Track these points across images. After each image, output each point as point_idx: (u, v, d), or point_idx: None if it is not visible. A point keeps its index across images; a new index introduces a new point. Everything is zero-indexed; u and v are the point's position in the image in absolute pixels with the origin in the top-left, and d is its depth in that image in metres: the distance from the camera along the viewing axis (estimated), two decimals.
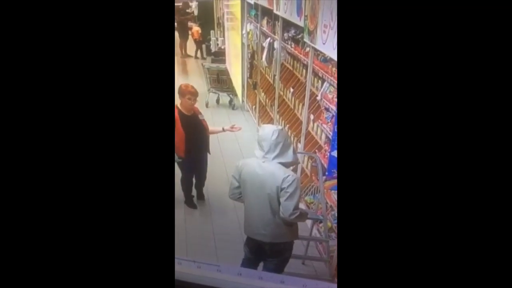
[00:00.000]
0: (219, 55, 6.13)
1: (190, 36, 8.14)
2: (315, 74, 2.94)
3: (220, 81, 5.68)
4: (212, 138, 3.08)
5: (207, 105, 5.09)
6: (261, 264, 2.24)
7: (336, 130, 2.38)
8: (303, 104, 3.13)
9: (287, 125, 3.47)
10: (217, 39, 6.87)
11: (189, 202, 3.20)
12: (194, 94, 2.87)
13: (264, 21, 4.07)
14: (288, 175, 1.86)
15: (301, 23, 2.95)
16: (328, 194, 2.62)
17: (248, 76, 4.91)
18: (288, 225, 1.98)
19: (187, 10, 8.86)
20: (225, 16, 6.11)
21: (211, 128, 3.02)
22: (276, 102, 3.66)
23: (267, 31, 4.02)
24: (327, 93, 2.75)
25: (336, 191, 2.53)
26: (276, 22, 3.66)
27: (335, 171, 2.43)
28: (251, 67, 4.82)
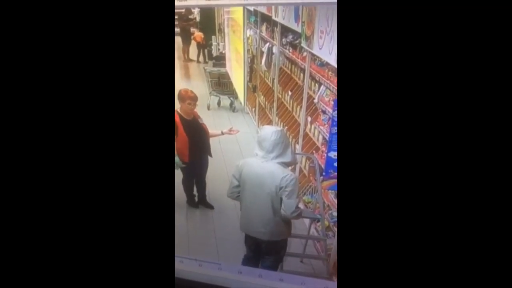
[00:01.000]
0: (220, 59, 6.17)
1: (192, 41, 8.20)
2: (312, 77, 2.96)
3: (221, 84, 5.70)
4: (213, 139, 3.09)
5: (208, 108, 5.11)
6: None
7: (333, 131, 2.39)
8: (301, 107, 3.15)
9: (286, 127, 3.48)
10: (218, 44, 6.91)
11: (191, 202, 3.21)
12: (194, 98, 2.87)
13: (264, 27, 4.10)
14: (287, 174, 1.87)
15: (298, 29, 2.97)
16: (326, 194, 2.63)
17: (248, 79, 4.93)
18: (285, 223, 2.00)
19: (190, 16, 8.91)
20: (226, 22, 6.15)
21: (211, 131, 3.02)
22: (275, 104, 3.67)
23: (266, 36, 4.05)
24: (324, 96, 2.77)
25: (333, 191, 2.55)
26: (275, 28, 3.68)
27: (332, 171, 2.44)
28: (251, 71, 4.84)
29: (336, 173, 2.34)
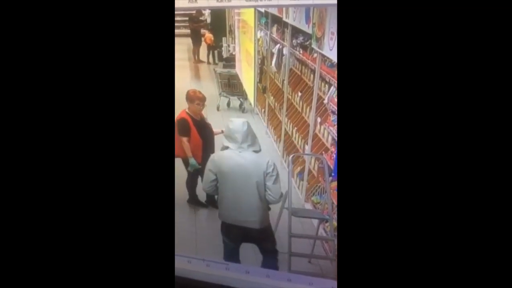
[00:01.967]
0: (230, 61, 6.20)
1: (203, 42, 8.25)
2: (322, 78, 2.95)
3: (231, 85, 5.71)
4: (218, 139, 3.10)
5: (218, 109, 5.13)
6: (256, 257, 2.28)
7: None
8: (311, 108, 3.13)
9: (295, 128, 3.48)
10: (228, 45, 6.94)
11: (192, 201, 3.19)
12: (202, 99, 2.88)
13: (274, 29, 4.11)
14: (269, 160, 1.98)
15: (309, 30, 2.96)
16: (334, 195, 2.62)
17: (258, 80, 4.94)
18: (267, 209, 2.08)
19: (200, 18, 8.96)
20: (236, 24, 6.17)
21: (214, 130, 3.02)
22: (284, 105, 3.67)
23: (276, 38, 4.05)
24: (334, 97, 2.75)
25: None
26: (286, 29, 3.68)
27: None
28: (261, 72, 4.85)
29: None
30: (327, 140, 2.87)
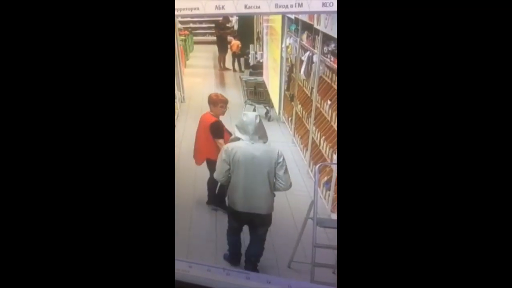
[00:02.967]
0: (257, 68, 6.36)
1: (229, 50, 8.46)
2: None
3: (257, 93, 5.86)
4: None
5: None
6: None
7: None
8: None
9: (323, 137, 3.58)
10: (256, 52, 7.12)
11: (212, 201, 3.39)
12: (225, 101, 3.14)
13: (304, 36, 4.24)
14: (279, 150, 2.35)
15: None
16: None
17: (285, 88, 5.07)
18: (273, 196, 2.45)
19: (227, 25, 9.21)
20: (265, 31, 6.35)
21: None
22: (312, 114, 3.78)
23: (306, 45, 4.18)
24: None
25: None
26: (316, 36, 3.81)
27: None
28: (289, 80, 4.98)
29: None
30: None
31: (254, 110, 5.48)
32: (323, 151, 3.55)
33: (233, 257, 2.73)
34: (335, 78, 3.58)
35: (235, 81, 7.47)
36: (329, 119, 3.58)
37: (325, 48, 3.68)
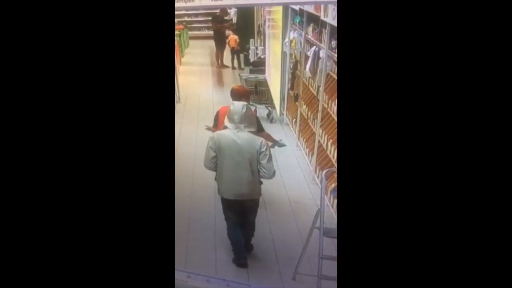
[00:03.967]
0: (258, 65, 6.36)
1: (227, 45, 8.49)
2: None
3: (258, 92, 5.88)
4: None
5: None
6: None
7: None
8: None
9: (331, 140, 3.59)
10: (256, 48, 7.12)
11: None
12: (250, 93, 3.52)
13: (310, 29, 4.21)
14: (262, 140, 2.56)
15: None
16: None
17: (289, 87, 5.08)
18: (259, 183, 2.70)
19: (225, 18, 9.22)
20: (267, 24, 6.36)
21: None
22: (319, 115, 3.77)
23: (312, 39, 4.17)
24: None
25: None
26: (323, 29, 3.79)
27: None
28: (293, 77, 4.98)
29: None
30: None
31: (255, 111, 5.52)
32: (331, 156, 3.55)
33: (238, 257, 2.86)
34: None
35: (234, 79, 7.45)
36: (337, 120, 3.59)
37: (333, 43, 3.66)
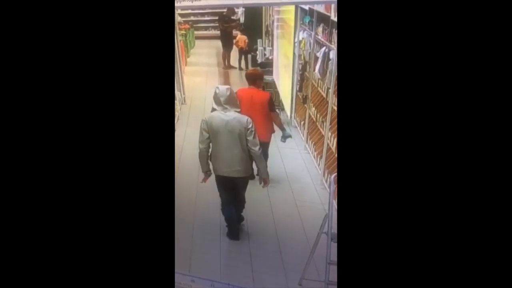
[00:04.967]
0: (266, 66, 6.41)
1: (234, 46, 8.56)
2: None
3: None
4: None
5: None
6: None
7: None
8: None
9: None
10: (264, 48, 7.17)
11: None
12: (263, 75, 4.10)
13: (320, 29, 4.27)
14: (247, 118, 2.98)
15: None
16: None
17: (297, 89, 5.13)
18: (250, 160, 3.09)
19: (232, 17, 9.29)
20: (275, 24, 6.42)
21: None
22: (328, 117, 3.82)
23: (322, 39, 4.23)
24: None
25: None
26: (334, 29, 3.84)
27: None
28: (302, 79, 5.03)
29: None
30: None
31: None
32: None
33: (231, 232, 3.36)
34: None
35: (241, 80, 7.48)
36: None
37: None
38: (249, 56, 8.20)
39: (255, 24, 8.40)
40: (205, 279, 2.10)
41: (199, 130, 3.04)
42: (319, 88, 4.43)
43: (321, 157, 4.04)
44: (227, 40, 8.67)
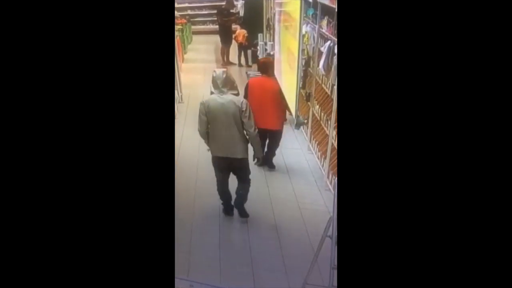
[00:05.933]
0: None
1: (233, 41, 8.57)
2: None
3: None
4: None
5: None
6: None
7: None
8: None
9: None
10: (265, 43, 7.17)
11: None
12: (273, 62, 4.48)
13: (324, 22, 4.27)
14: (242, 100, 3.25)
15: None
16: None
17: (300, 86, 5.12)
18: (246, 142, 3.35)
19: (231, 11, 9.29)
20: (277, 17, 6.43)
21: None
22: (333, 116, 3.83)
23: (327, 33, 4.23)
24: None
25: None
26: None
27: None
28: (305, 75, 5.02)
29: None
30: None
31: None
32: None
33: (226, 208, 3.68)
34: None
35: (241, 77, 7.49)
36: None
37: None
38: (249, 51, 8.18)
39: (255, 18, 8.38)
40: (205, 283, 2.11)
41: (198, 114, 3.28)
42: (323, 85, 4.43)
43: (325, 158, 4.05)
44: (226, 35, 8.67)
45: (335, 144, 3.83)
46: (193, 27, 11.33)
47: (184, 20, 10.25)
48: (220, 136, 3.29)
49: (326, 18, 4.23)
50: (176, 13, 10.19)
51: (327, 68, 4.20)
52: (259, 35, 7.63)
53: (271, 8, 7.71)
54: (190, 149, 4.77)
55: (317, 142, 4.51)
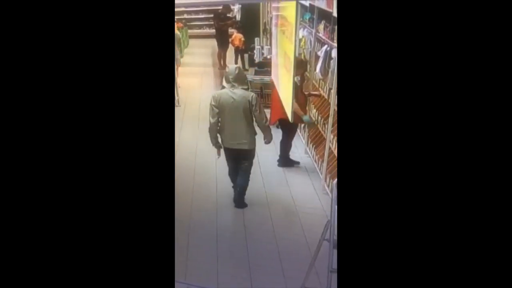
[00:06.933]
0: (264, 66, 6.43)
1: (230, 45, 8.60)
2: None
3: (264, 95, 5.99)
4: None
5: None
6: None
7: None
8: None
9: None
10: (262, 47, 7.17)
11: (284, 161, 4.55)
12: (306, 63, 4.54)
13: (321, 26, 4.32)
14: (253, 94, 3.60)
15: None
16: None
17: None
18: (254, 134, 3.67)
19: (228, 15, 9.32)
20: (273, 21, 6.46)
21: None
22: (330, 119, 3.85)
23: (323, 37, 4.27)
24: None
25: None
26: (336, 26, 3.88)
27: None
28: (302, 79, 5.05)
29: None
30: None
31: None
32: None
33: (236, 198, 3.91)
34: None
35: None
36: None
37: None
38: (246, 55, 8.20)
39: (252, 22, 8.40)
40: (202, 287, 2.13)
41: (209, 106, 3.57)
42: (320, 89, 4.47)
43: (322, 161, 4.08)
44: (222, 39, 8.70)
45: (333, 148, 3.85)
46: (189, 31, 11.35)
47: (181, 24, 10.27)
48: (230, 129, 3.59)
49: (323, 22, 4.28)
50: None
51: (324, 71, 4.24)
52: (256, 39, 7.63)
53: (267, 12, 7.73)
54: (187, 153, 4.78)
55: (314, 145, 4.54)
